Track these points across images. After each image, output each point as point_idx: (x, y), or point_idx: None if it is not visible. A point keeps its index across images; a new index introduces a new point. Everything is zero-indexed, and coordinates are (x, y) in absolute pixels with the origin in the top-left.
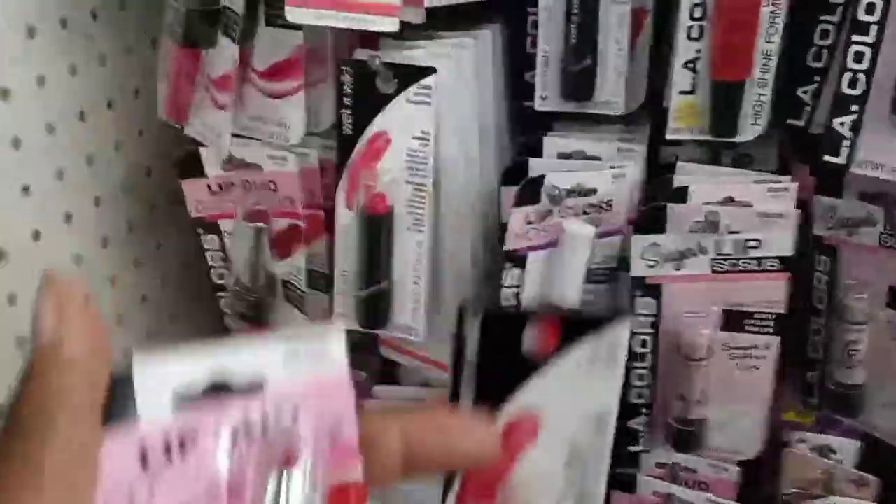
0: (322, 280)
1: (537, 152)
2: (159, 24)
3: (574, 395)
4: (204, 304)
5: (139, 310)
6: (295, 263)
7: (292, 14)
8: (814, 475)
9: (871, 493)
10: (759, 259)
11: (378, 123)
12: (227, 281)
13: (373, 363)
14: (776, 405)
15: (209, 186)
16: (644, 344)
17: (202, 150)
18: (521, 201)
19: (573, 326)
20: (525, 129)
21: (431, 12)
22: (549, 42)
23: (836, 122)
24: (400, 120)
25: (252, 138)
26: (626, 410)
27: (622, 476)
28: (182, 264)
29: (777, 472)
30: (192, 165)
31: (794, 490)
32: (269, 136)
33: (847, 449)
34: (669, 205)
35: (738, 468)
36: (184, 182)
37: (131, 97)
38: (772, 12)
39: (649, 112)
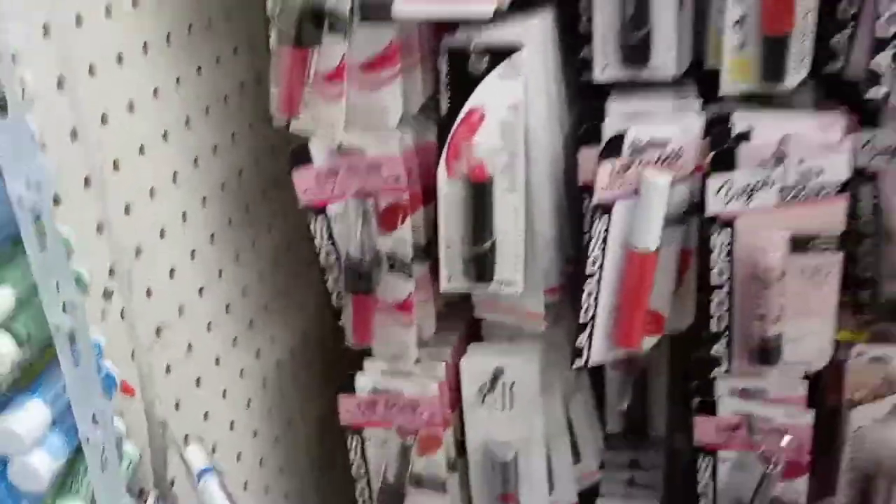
0: (422, 249)
1: (601, 117)
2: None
3: None
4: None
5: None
6: (401, 236)
7: (402, 9)
8: (875, 381)
9: None
10: (820, 186)
11: (473, 100)
12: (332, 262)
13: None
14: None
15: (317, 174)
16: (721, 273)
17: (312, 141)
18: (606, 155)
19: None
20: (583, 100)
21: None
22: (604, 17)
23: (874, 62)
24: (492, 95)
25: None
26: (708, 338)
27: (704, 401)
28: (278, 257)
29: (839, 387)
30: (302, 156)
31: (858, 395)
32: (370, 123)
33: None
34: (740, 144)
35: (805, 383)
36: (295, 171)
37: (223, 104)
38: None
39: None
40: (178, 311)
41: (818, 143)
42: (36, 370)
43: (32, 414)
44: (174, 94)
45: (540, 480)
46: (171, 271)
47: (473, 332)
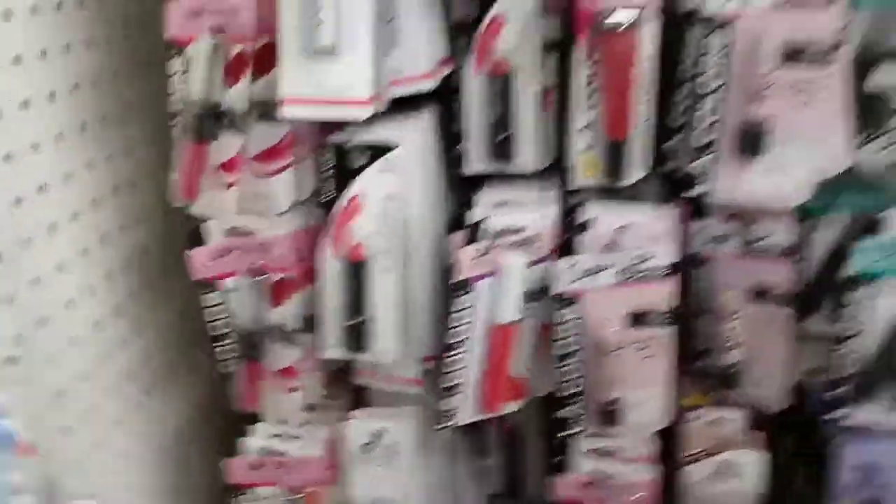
0: (309, 322)
1: (470, 207)
2: None
3: None
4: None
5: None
6: (288, 310)
7: (289, 111)
8: (709, 442)
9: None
10: (652, 269)
11: (353, 190)
12: (222, 332)
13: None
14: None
15: (211, 253)
16: (569, 344)
17: (207, 224)
18: (467, 241)
19: None
20: (464, 189)
21: None
22: (474, 119)
23: (693, 166)
24: (370, 186)
25: (249, 210)
26: (561, 401)
27: (560, 461)
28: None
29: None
30: (197, 237)
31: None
32: (263, 207)
33: (734, 417)
34: (587, 230)
35: (653, 442)
36: (192, 251)
37: (131, 188)
38: (642, 88)
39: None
40: (80, 377)
41: (650, 232)
42: None
43: None
44: (86, 175)
45: None
46: (74, 339)
47: (361, 398)
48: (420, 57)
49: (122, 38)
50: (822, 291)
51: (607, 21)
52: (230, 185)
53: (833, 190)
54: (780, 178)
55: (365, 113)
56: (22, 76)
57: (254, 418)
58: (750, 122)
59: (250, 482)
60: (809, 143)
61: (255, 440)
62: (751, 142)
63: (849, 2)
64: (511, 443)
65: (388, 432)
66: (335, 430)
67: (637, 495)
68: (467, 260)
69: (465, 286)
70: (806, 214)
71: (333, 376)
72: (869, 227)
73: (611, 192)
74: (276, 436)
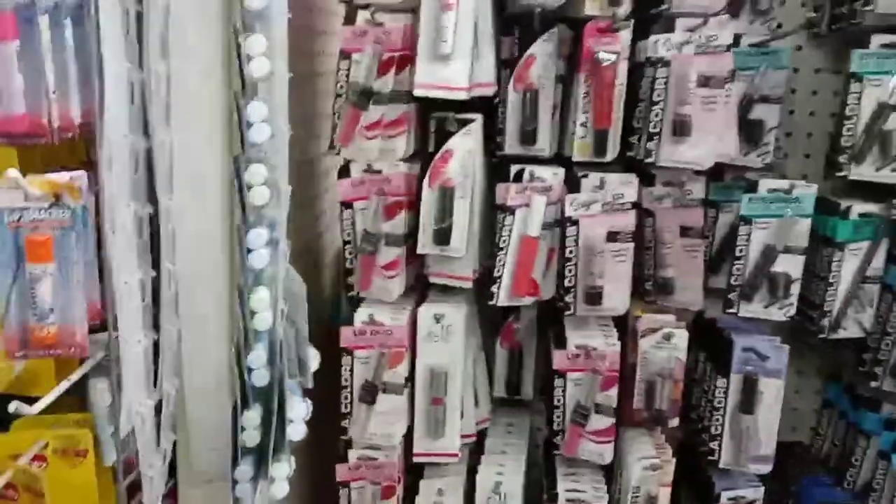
0: (408, 232)
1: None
2: None
3: None
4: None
5: None
6: (396, 223)
7: (419, 91)
8: (655, 324)
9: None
10: (622, 204)
11: (447, 145)
12: (350, 237)
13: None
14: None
15: (352, 182)
16: (572, 251)
17: (352, 164)
18: (513, 181)
19: None
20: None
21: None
22: (512, 118)
23: (651, 144)
24: (457, 144)
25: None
26: (563, 291)
27: (559, 338)
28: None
29: (636, 331)
30: (345, 171)
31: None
32: (388, 156)
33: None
34: (583, 181)
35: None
36: (339, 180)
37: None
38: (619, 94)
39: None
40: None
41: (619, 184)
42: None
43: None
44: None
45: (456, 395)
46: None
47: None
48: (486, 74)
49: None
50: (723, 250)
51: (600, 58)
52: (371, 139)
53: (731, 187)
54: (697, 152)
55: (464, 95)
56: None
57: (360, 301)
58: (679, 117)
59: (354, 345)
60: (712, 135)
61: (362, 313)
62: (680, 129)
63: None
64: (514, 355)
65: (446, 316)
66: (413, 312)
67: (608, 362)
68: (512, 193)
69: (509, 210)
70: (714, 204)
71: (414, 273)
72: (750, 188)
73: (597, 164)
74: (376, 311)
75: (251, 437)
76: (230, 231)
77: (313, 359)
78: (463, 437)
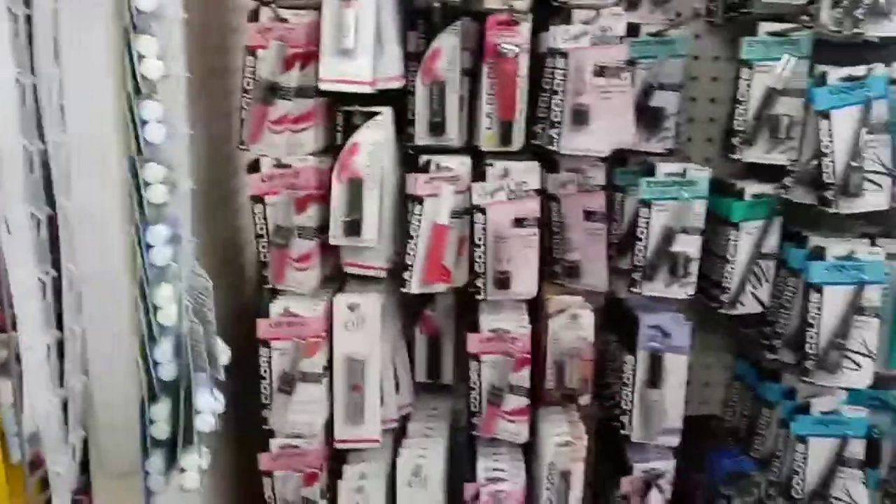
0: (320, 225)
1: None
2: None
3: None
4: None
5: None
6: (308, 216)
7: (324, 86)
8: (563, 305)
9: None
10: (525, 191)
11: (354, 138)
12: (263, 232)
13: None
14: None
15: (262, 177)
16: (480, 238)
17: (261, 159)
18: (420, 172)
19: None
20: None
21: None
22: (421, 110)
23: (552, 132)
24: (365, 136)
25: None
26: (473, 276)
27: (472, 322)
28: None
29: (545, 314)
30: (255, 166)
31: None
32: (297, 150)
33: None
34: (488, 170)
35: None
36: (249, 175)
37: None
38: (522, 86)
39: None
40: None
41: (524, 171)
42: None
43: None
44: None
45: (375, 382)
46: None
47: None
48: (393, 67)
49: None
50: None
51: (502, 50)
52: (278, 134)
53: (636, 172)
54: (595, 139)
55: (369, 89)
56: None
57: (276, 292)
58: (578, 107)
59: (271, 336)
60: (610, 122)
61: (278, 306)
62: (579, 118)
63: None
64: (433, 341)
65: (361, 305)
66: (329, 303)
67: (519, 343)
68: (420, 183)
69: (418, 199)
70: (621, 189)
71: (332, 264)
72: (647, 171)
73: (503, 153)
74: (291, 303)
75: (160, 430)
76: (130, 230)
77: (223, 352)
78: (385, 422)
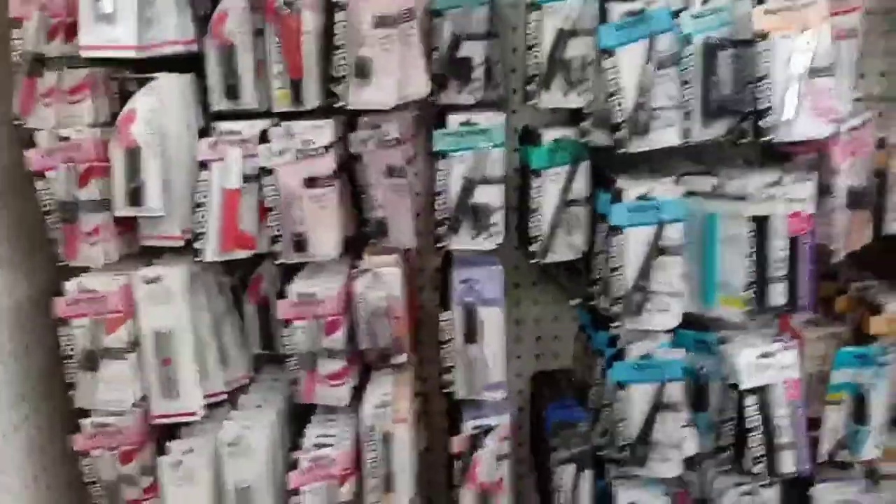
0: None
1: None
2: None
3: None
4: None
5: None
6: (91, 189)
7: (85, 53)
8: (370, 265)
9: None
10: (315, 149)
11: (129, 105)
12: (50, 206)
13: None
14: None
15: (40, 152)
16: (273, 201)
17: (37, 133)
18: (204, 136)
19: None
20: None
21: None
22: (213, 76)
23: (342, 88)
24: (140, 103)
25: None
26: (273, 240)
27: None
28: None
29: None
30: (31, 142)
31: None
32: (75, 122)
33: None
34: (271, 130)
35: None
36: (26, 151)
37: None
38: (308, 42)
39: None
40: None
41: (313, 130)
42: None
43: None
44: None
45: (187, 355)
46: None
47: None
48: (180, 30)
49: None
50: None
51: (278, 6)
52: (49, 106)
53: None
54: (380, 93)
55: (133, 53)
56: None
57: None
58: (359, 60)
59: (69, 314)
60: (394, 75)
61: (73, 283)
62: (360, 72)
63: None
64: (263, 310)
65: (163, 278)
66: (129, 277)
67: (327, 306)
68: (204, 148)
69: (204, 165)
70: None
71: (131, 237)
72: (440, 124)
73: (299, 114)
74: (87, 279)
75: None
76: None
77: None
78: (210, 396)
